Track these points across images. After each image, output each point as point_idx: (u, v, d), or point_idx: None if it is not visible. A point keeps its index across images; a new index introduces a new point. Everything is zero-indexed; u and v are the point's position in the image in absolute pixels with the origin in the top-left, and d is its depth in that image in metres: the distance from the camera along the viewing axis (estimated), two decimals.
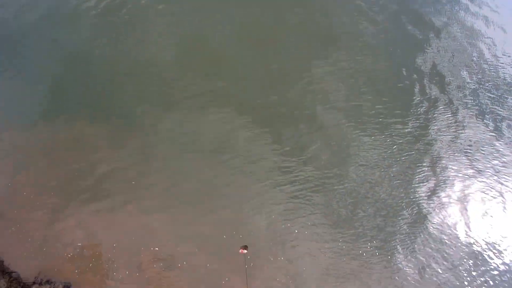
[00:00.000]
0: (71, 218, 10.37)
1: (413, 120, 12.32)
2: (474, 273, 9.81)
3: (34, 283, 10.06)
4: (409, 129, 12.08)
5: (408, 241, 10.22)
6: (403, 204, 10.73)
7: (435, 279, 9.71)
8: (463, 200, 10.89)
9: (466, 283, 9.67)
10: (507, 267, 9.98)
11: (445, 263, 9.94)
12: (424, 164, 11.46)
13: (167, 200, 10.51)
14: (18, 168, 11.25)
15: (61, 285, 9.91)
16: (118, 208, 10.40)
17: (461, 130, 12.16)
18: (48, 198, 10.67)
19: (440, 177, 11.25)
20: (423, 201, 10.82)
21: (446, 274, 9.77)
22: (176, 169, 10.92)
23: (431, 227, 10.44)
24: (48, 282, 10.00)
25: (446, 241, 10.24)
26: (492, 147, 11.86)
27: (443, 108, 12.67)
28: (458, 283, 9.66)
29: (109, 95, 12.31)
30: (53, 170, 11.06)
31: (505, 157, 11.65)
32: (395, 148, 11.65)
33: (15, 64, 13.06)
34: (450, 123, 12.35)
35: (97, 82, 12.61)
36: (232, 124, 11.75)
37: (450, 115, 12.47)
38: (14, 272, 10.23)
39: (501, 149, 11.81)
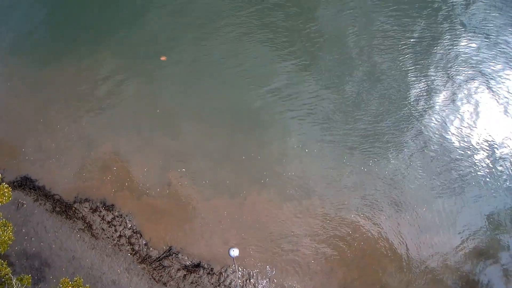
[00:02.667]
0: (105, 145, 11.80)
1: None
2: None
3: (75, 202, 11.54)
4: None
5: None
6: None
7: None
8: None
9: None
10: None
11: None
12: None
13: (191, 124, 11.93)
14: (48, 102, 12.47)
15: (99, 201, 11.45)
16: (148, 134, 11.89)
17: None
18: (81, 129, 12.02)
19: None
20: None
21: None
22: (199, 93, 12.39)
23: None
24: (86, 200, 11.52)
25: None
26: None
27: None
28: None
29: None
30: (82, 103, 12.35)
31: None
32: None
33: None
34: None
35: None
36: None
37: None
38: (56, 194, 11.66)
39: None
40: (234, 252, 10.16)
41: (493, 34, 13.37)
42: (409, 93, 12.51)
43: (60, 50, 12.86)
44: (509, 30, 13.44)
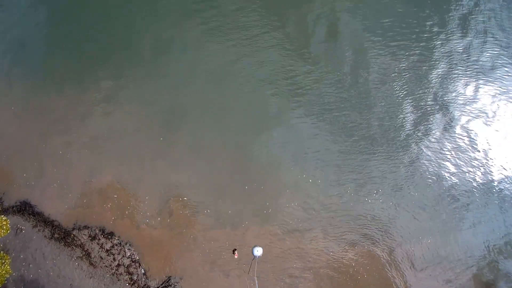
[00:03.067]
0: (107, 173, 11.64)
1: None
2: None
3: (73, 228, 11.37)
4: None
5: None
6: None
7: None
8: None
9: None
10: None
11: None
12: None
13: (192, 158, 11.82)
14: (50, 128, 12.34)
15: (97, 229, 11.27)
16: (149, 164, 11.72)
17: None
18: (83, 156, 11.88)
19: None
20: None
21: None
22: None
23: None
24: (85, 227, 11.34)
25: None
26: None
27: None
28: None
29: None
30: (85, 130, 12.21)
31: None
32: None
33: None
34: None
35: None
36: None
37: None
38: (55, 220, 11.51)
39: None
40: (258, 251, 9.90)
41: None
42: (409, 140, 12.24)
43: (62, 77, 12.76)
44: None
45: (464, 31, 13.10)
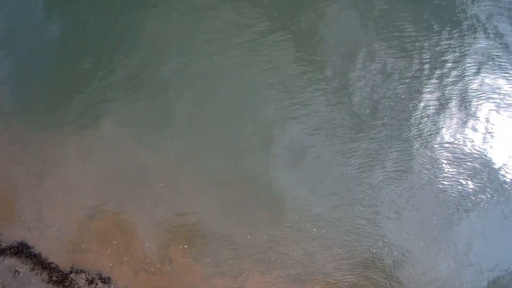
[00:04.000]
0: (107, 218, 11.42)
1: None
2: None
3: (71, 272, 11.18)
4: None
5: None
6: None
7: None
8: None
9: None
10: None
11: None
12: None
13: (193, 206, 11.63)
14: (49, 170, 12.12)
15: (95, 273, 11.07)
16: (149, 210, 11.48)
17: None
18: (83, 199, 11.65)
19: None
20: None
21: None
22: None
23: None
24: (82, 271, 11.15)
25: None
26: None
27: None
28: None
29: None
30: (84, 173, 11.99)
31: None
32: None
33: None
34: None
35: None
36: None
37: None
38: (53, 263, 11.31)
39: None
40: None
41: None
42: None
43: (62, 116, 12.49)
44: None
45: None
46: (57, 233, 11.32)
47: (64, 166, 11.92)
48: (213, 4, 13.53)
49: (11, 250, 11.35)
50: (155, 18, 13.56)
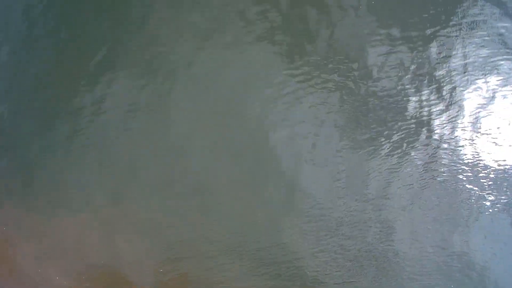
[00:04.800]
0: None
1: None
2: None
3: None
4: None
5: None
6: None
7: None
8: None
9: None
10: None
11: None
12: None
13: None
14: (47, 253, 11.74)
15: None
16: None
17: None
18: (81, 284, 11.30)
19: None
20: None
21: None
22: None
23: None
24: None
25: None
26: None
27: None
28: None
29: None
30: (82, 256, 11.55)
31: None
32: None
33: None
34: None
35: None
36: None
37: None
38: None
39: None
40: None
41: None
42: None
43: (60, 198, 12.22)
44: None
45: None
46: None
47: (62, 251, 11.18)
48: None
49: None
50: None
